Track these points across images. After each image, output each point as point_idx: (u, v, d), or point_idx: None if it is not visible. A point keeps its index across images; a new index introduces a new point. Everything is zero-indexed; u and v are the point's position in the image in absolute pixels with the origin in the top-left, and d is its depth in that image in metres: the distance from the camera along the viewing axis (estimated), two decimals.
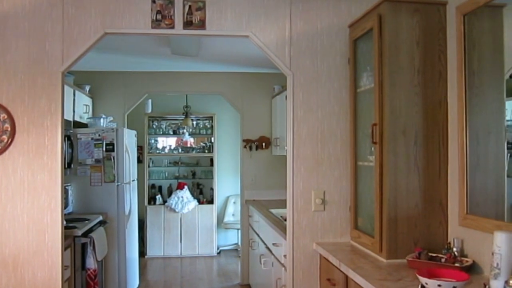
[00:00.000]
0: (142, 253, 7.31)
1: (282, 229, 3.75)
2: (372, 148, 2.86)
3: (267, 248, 4.54)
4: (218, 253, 8.04)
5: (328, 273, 3.01)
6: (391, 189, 2.70)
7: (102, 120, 5.50)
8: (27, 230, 3.08)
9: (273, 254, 4.25)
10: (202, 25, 3.23)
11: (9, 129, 3.06)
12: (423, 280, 2.01)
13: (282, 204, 4.25)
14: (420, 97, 2.74)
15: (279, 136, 5.80)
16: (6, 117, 3.05)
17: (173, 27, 3.23)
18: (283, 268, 3.75)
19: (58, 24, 3.14)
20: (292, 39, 3.33)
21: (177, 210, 7.74)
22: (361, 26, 3.05)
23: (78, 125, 5.37)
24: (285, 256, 3.57)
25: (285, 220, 3.63)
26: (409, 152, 2.73)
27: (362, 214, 3.15)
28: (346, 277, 2.64)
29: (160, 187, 8.23)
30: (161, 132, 8.34)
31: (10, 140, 3.05)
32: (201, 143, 8.42)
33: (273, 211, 4.91)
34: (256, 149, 6.35)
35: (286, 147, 3.46)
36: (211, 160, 8.26)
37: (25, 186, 3.08)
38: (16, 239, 3.07)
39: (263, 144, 6.34)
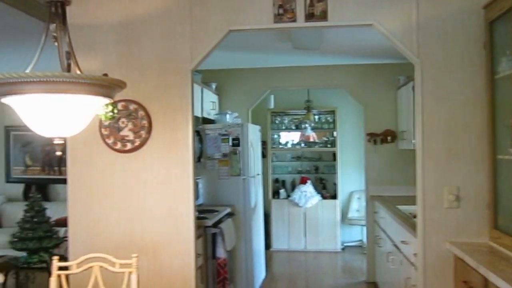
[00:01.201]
0: (267, 245, 7.47)
1: (411, 226, 3.57)
2: None
3: (395, 245, 4.36)
4: (342, 249, 7.93)
5: (464, 275, 2.80)
6: None
7: (228, 116, 5.72)
8: (164, 220, 3.30)
9: (401, 252, 4.07)
10: (324, 16, 3.19)
11: (146, 125, 3.30)
12: None
13: (409, 200, 4.05)
14: None
15: (406, 129, 5.54)
16: (144, 114, 3.30)
17: (295, 20, 3.23)
18: (413, 267, 3.57)
19: (186, 25, 3.31)
20: (419, 25, 3.14)
21: (300, 205, 7.79)
22: (498, 6, 2.77)
23: (206, 121, 5.64)
24: (415, 254, 3.39)
25: (414, 217, 3.45)
26: None
27: (503, 213, 2.87)
28: (486, 280, 2.42)
29: (283, 182, 8.35)
30: (283, 127, 8.44)
31: (147, 135, 3.30)
32: (323, 138, 8.37)
33: (400, 207, 4.70)
34: (381, 143, 6.12)
35: (413, 141, 3.29)
36: (334, 154, 8.16)
37: (161, 178, 3.30)
38: (155, 228, 3.31)
39: (388, 137, 6.09)
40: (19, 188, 7.65)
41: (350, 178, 8.17)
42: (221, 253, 4.31)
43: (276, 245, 7.92)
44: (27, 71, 1.72)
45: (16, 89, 1.65)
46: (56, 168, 7.50)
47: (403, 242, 3.90)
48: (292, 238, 7.90)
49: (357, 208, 8.05)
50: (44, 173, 7.58)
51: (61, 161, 7.39)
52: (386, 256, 4.59)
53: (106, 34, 3.38)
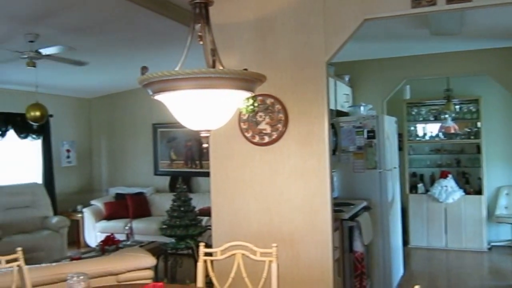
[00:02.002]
0: (405, 242, 7.17)
1: None
2: None
3: None
4: (489, 248, 7.31)
5: None
6: None
7: (362, 108, 5.60)
8: (301, 211, 3.34)
9: None
10: None
11: (283, 118, 3.37)
12: None
13: None
14: None
15: None
16: (280, 108, 3.38)
17: (434, 4, 3.04)
18: None
19: (319, 17, 3.30)
20: None
21: (440, 200, 7.35)
22: None
23: (339, 114, 5.59)
24: None
25: None
26: None
27: None
28: None
29: (421, 176, 7.94)
30: (420, 119, 8.02)
31: (284, 128, 3.37)
32: (466, 129, 7.77)
33: None
34: None
35: None
36: (478, 146, 7.54)
37: (297, 170, 3.35)
38: (292, 219, 3.37)
39: None
40: (165, 181, 8.33)
41: (497, 172, 7.49)
42: (358, 247, 4.24)
43: (414, 241, 7.57)
44: (176, 69, 1.86)
45: (168, 86, 1.79)
46: (197, 162, 8.01)
47: None
48: (432, 235, 7.49)
49: (506, 205, 7.36)
50: (187, 166, 8.15)
51: (202, 156, 7.88)
52: None
53: (242, 31, 3.51)
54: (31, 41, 4.76)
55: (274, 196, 3.42)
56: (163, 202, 7.83)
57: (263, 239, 3.34)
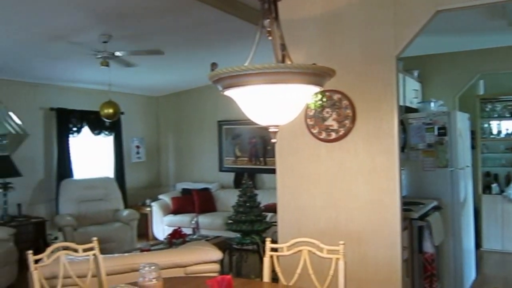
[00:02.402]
0: (477, 244, 6.85)
1: None
2: None
3: None
4: None
5: None
6: None
7: (432, 104, 5.40)
8: (368, 209, 3.27)
9: None
10: None
11: (350, 114, 3.31)
12: None
13: None
14: None
15: None
16: (347, 103, 3.32)
17: None
18: None
19: (389, 9, 3.21)
20: None
21: None
22: None
23: (408, 110, 5.42)
24: None
25: None
26: None
27: None
28: None
29: (495, 175, 7.54)
30: (495, 115, 7.60)
31: (351, 124, 3.31)
32: None
33: None
34: None
35: None
36: None
37: (365, 167, 3.28)
38: (359, 216, 3.30)
39: None
40: (230, 177, 8.45)
41: None
42: (428, 247, 4.09)
43: (487, 244, 7.20)
44: (245, 64, 1.87)
45: (238, 81, 1.80)
46: (261, 159, 8.05)
47: None
48: (507, 238, 7.09)
49: None
50: (251, 163, 8.22)
51: (266, 152, 7.92)
52: None
53: (309, 27, 3.48)
54: (105, 42, 4.98)
55: (340, 193, 3.37)
56: (228, 198, 7.95)
57: (329, 236, 3.30)
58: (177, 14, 4.51)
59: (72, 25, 4.62)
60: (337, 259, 2.57)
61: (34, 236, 6.41)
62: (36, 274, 2.56)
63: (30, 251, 2.60)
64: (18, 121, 6.91)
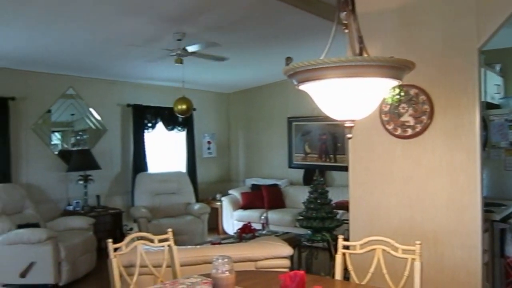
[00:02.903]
0: None
1: None
2: None
3: None
4: None
5: None
6: None
7: None
8: (446, 208, 3.13)
9: None
10: None
11: (427, 110, 3.18)
12: None
13: None
14: None
15: None
16: (425, 99, 3.19)
17: None
18: None
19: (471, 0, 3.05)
20: None
21: None
22: None
23: (489, 106, 5.13)
24: None
25: None
26: None
27: None
28: None
29: None
30: None
31: (429, 120, 3.17)
32: None
33: None
34: None
35: None
36: None
37: (443, 165, 3.14)
38: (436, 216, 3.17)
39: None
40: (299, 173, 8.42)
41: None
42: (511, 251, 3.86)
43: None
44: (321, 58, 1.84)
45: (314, 75, 1.77)
46: (331, 156, 7.95)
47: None
48: None
49: None
50: (321, 160, 8.14)
51: (336, 149, 7.81)
52: None
53: (385, 20, 3.38)
54: (179, 40, 5.11)
55: (416, 192, 3.25)
56: (297, 195, 7.93)
57: (403, 235, 3.19)
58: (249, 11, 4.54)
59: (148, 25, 4.79)
60: (413, 259, 2.48)
61: (111, 226, 6.74)
62: (115, 261, 2.68)
63: (110, 240, 2.73)
64: (98, 117, 7.28)
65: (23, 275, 5.04)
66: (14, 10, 4.13)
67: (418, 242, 2.46)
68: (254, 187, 8.42)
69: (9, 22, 4.43)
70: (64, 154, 6.88)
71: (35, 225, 5.50)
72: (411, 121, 3.24)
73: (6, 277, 5.17)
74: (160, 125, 8.07)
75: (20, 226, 5.34)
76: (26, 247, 5.05)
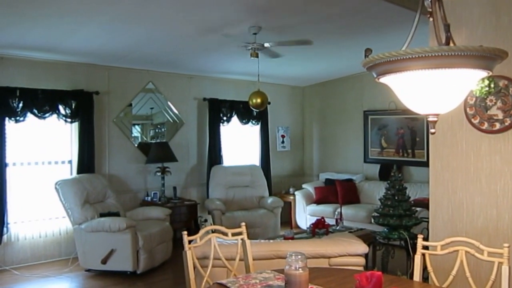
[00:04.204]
0: None
1: None
2: None
3: None
4: None
5: None
6: None
7: None
8: None
9: None
10: None
11: None
12: None
13: None
14: None
15: None
16: None
17: None
18: None
19: None
20: None
21: None
22: None
23: None
24: None
25: None
26: None
27: None
28: None
29: None
30: None
31: None
32: None
33: None
34: None
35: None
36: None
37: None
38: None
39: None
40: (374, 168, 8.19)
41: None
42: None
43: None
44: (403, 49, 1.75)
45: (396, 67, 1.68)
46: (409, 151, 7.66)
47: None
48: None
49: None
50: (398, 155, 7.86)
51: (415, 144, 7.51)
52: None
53: (472, 7, 3.18)
54: (255, 33, 5.11)
55: (504, 190, 3.04)
56: (372, 190, 7.73)
57: (487, 237, 3.01)
58: (326, 3, 4.44)
59: (224, 19, 4.83)
60: (500, 263, 2.31)
61: (187, 217, 6.93)
62: (189, 253, 2.73)
63: (185, 231, 2.78)
64: (175, 111, 7.50)
65: (104, 261, 5.31)
66: (98, 10, 4.33)
67: (506, 244, 2.30)
68: (328, 181, 8.30)
69: (94, 20, 4.65)
70: (143, 146, 7.16)
71: (116, 214, 5.77)
72: (500, 115, 3.03)
73: (89, 263, 5.47)
74: (235, 119, 8.16)
75: (102, 215, 5.62)
76: (107, 235, 5.31)
